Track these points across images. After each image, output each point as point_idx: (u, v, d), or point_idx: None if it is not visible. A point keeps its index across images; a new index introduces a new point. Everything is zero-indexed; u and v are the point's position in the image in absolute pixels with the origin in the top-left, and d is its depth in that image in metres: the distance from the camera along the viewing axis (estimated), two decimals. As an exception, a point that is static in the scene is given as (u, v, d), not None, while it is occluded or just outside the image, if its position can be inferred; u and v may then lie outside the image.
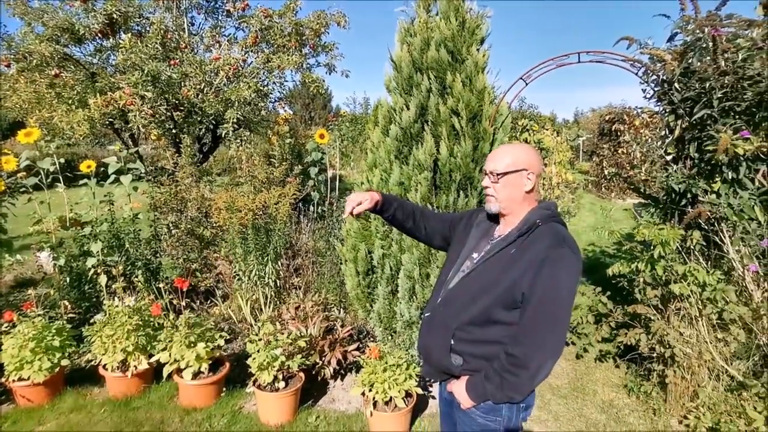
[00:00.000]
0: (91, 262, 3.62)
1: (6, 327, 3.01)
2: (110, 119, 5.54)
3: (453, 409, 1.66)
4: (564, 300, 1.40)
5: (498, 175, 1.54)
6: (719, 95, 2.55)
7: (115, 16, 5.06)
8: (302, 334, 3.18)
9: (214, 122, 6.00)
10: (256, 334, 3.02)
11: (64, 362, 3.07)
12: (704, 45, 2.78)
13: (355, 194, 1.76)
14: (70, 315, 3.33)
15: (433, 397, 3.17)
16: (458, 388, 1.55)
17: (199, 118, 5.67)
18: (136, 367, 3.07)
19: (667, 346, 2.93)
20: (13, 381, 2.92)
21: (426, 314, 1.68)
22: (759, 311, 2.74)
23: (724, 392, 2.82)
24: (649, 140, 3.12)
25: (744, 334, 2.78)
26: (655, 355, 3.11)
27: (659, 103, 2.93)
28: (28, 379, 2.91)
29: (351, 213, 1.72)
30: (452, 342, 1.54)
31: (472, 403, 1.52)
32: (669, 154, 2.90)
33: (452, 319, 1.55)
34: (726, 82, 2.55)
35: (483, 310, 1.48)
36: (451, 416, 1.73)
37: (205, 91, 5.42)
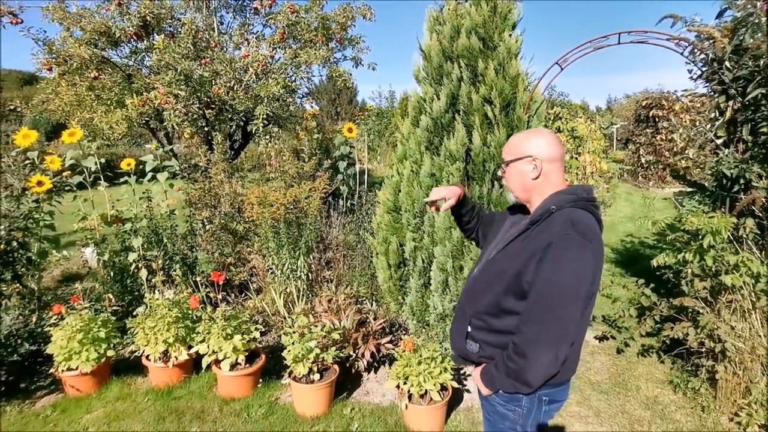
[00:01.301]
0: (132, 257, 3.75)
1: (55, 319, 3.15)
2: (146, 119, 5.71)
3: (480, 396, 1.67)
4: (567, 288, 1.30)
5: (505, 164, 1.55)
6: (775, 73, 2.38)
7: (148, 18, 5.19)
8: (336, 326, 3.19)
9: (244, 119, 6.09)
10: (291, 327, 3.05)
11: (110, 353, 3.19)
12: (756, 20, 2.60)
13: (439, 188, 1.81)
14: (114, 308, 3.45)
15: (468, 391, 3.12)
16: (475, 374, 1.57)
17: (229, 115, 5.77)
18: (176, 357, 3.16)
19: (718, 341, 2.78)
20: (63, 371, 3.06)
21: (454, 303, 1.72)
22: (820, 304, 2.56)
23: (780, 389, 2.65)
24: (697, 123, 2.94)
25: (803, 328, 2.60)
26: (704, 349, 2.96)
27: (708, 84, 2.76)
28: (77, 369, 3.04)
29: (435, 206, 1.80)
30: (469, 329, 1.56)
31: (488, 390, 1.53)
32: (719, 137, 2.74)
33: (469, 306, 1.58)
34: (783, 58, 2.37)
35: (495, 299, 1.48)
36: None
37: (235, 89, 5.50)
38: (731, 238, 2.77)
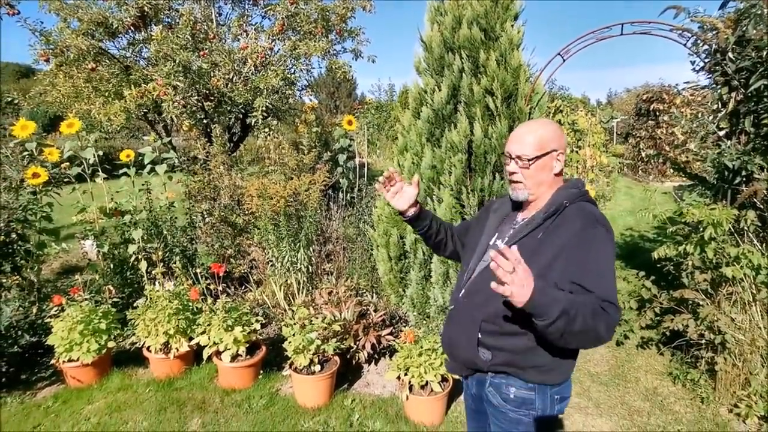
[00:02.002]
0: (132, 249, 3.74)
1: (55, 311, 3.14)
2: (145, 110, 5.67)
3: (482, 404, 1.59)
4: (612, 277, 1.30)
5: (530, 160, 1.41)
6: (779, 64, 2.37)
7: (146, 8, 5.15)
8: (336, 318, 3.19)
9: (243, 111, 6.06)
10: (291, 319, 3.05)
11: (111, 344, 3.20)
12: (759, 11, 2.58)
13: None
14: (114, 299, 3.45)
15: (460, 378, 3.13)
16: (518, 277, 1.11)
17: (228, 108, 5.74)
18: (177, 349, 3.16)
19: (717, 332, 2.79)
20: (63, 362, 3.06)
21: (450, 307, 1.60)
22: (820, 295, 2.57)
23: (779, 380, 2.67)
24: (700, 115, 2.94)
25: (803, 319, 2.62)
26: (703, 341, 2.97)
27: (711, 75, 2.75)
28: (78, 360, 3.04)
29: (387, 182, 1.63)
30: (480, 335, 1.45)
31: (526, 298, 1.12)
32: (722, 129, 2.73)
33: (478, 311, 1.46)
34: (787, 49, 2.36)
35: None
36: (478, 412, 1.67)
37: (234, 80, 5.47)
38: (732, 230, 2.77)
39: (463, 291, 1.55)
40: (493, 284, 1.13)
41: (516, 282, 1.11)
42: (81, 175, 3.85)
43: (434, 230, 1.76)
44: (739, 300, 2.76)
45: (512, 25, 3.11)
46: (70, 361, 3.06)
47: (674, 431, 2.68)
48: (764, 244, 2.75)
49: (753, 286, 2.69)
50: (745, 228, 2.73)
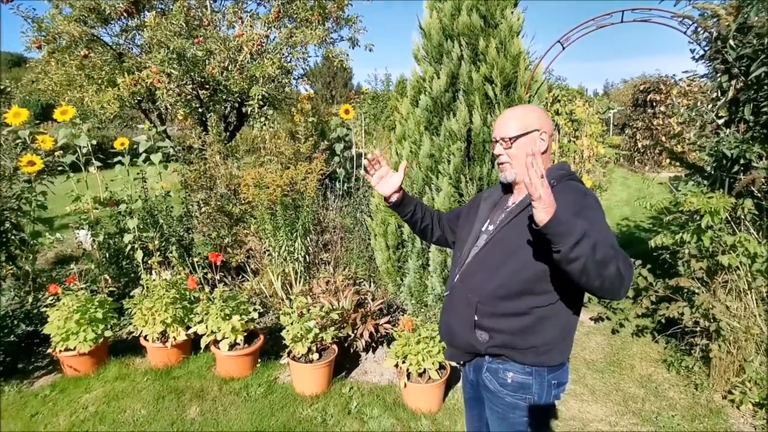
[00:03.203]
0: (128, 238, 3.71)
1: (51, 300, 3.12)
2: (138, 99, 5.60)
3: (479, 390, 1.60)
4: (608, 228, 1.30)
5: (510, 139, 1.45)
6: (779, 51, 2.36)
7: (139, -7, 5.05)
8: (334, 307, 3.20)
9: (239, 100, 5.99)
10: (290, 308, 3.05)
11: (107, 333, 3.18)
12: (762, -2, 2.57)
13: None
14: (110, 289, 3.43)
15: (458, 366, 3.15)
16: (547, 193, 1.11)
17: (224, 96, 5.67)
18: (175, 338, 3.16)
19: (712, 320, 2.82)
20: (60, 351, 3.05)
21: (445, 294, 1.61)
22: (814, 283, 2.59)
23: (773, 367, 2.70)
24: (698, 104, 2.93)
25: (797, 307, 2.64)
26: (698, 329, 3.00)
27: (710, 63, 2.74)
28: (74, 349, 3.03)
29: (371, 166, 1.64)
30: (476, 317, 1.45)
31: (552, 209, 1.11)
32: (720, 117, 2.72)
33: (473, 292, 1.46)
34: (787, 36, 2.35)
35: (508, 279, 1.40)
36: (476, 400, 1.67)
37: (229, 69, 5.40)
38: (728, 218, 2.78)
39: (457, 276, 1.55)
40: (529, 159, 1.11)
41: (546, 187, 1.10)
42: (75, 164, 3.81)
43: (419, 216, 1.77)
44: (735, 288, 2.78)
45: (512, 12, 3.09)
46: (66, 350, 3.04)
47: (668, 417, 2.71)
48: (761, 233, 2.76)
49: (749, 274, 2.71)
50: (742, 216, 2.75)
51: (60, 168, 3.72)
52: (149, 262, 3.53)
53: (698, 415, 2.71)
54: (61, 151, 3.71)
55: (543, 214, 1.11)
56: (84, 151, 3.78)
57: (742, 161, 2.64)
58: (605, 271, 1.16)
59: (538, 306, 1.39)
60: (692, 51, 2.87)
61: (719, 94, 2.73)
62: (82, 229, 4.02)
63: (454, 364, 2.79)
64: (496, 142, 1.49)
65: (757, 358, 2.74)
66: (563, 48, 3.04)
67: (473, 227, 1.60)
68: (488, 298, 1.43)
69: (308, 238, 4.19)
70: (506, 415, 1.50)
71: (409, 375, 2.75)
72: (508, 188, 1.59)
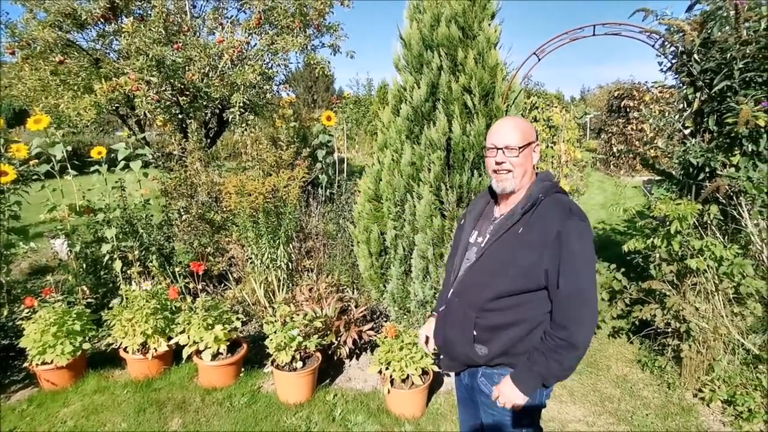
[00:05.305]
0: (106, 248, 3.66)
1: (27, 313, 3.05)
2: (116, 105, 5.51)
3: (474, 394, 1.65)
4: (587, 271, 1.40)
5: (520, 148, 1.49)
6: (740, 66, 2.49)
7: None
8: (317, 315, 3.21)
9: (219, 107, 5.95)
10: (273, 316, 3.05)
11: (86, 346, 3.13)
12: (725, 14, 2.71)
13: (419, 333, 1.84)
14: (88, 300, 3.37)
15: (448, 375, 3.20)
16: (506, 389, 1.47)
17: (204, 103, 5.63)
18: (156, 349, 3.12)
19: (683, 321, 2.93)
20: (37, 365, 2.98)
21: (441, 308, 1.65)
22: (776, 285, 2.72)
23: (739, 365, 2.83)
24: (666, 114, 3.07)
25: (761, 308, 2.77)
26: (670, 330, 3.12)
27: (677, 76, 2.87)
28: (52, 362, 2.97)
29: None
30: (475, 333, 1.51)
31: (525, 399, 1.46)
32: (687, 127, 2.85)
33: (470, 308, 1.51)
34: (748, 51, 2.48)
35: (499, 293, 1.46)
36: (471, 401, 1.73)
37: (209, 75, 5.37)
38: (696, 223, 2.91)
39: (451, 291, 1.60)
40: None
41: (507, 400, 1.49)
42: (50, 172, 3.73)
43: None
44: (703, 290, 2.91)
45: (489, 24, 3.17)
46: (43, 363, 2.98)
47: (643, 416, 2.81)
48: (726, 237, 2.89)
49: (716, 276, 2.84)
50: (709, 222, 2.87)
51: (35, 177, 3.64)
52: (129, 272, 3.48)
53: (671, 413, 2.82)
54: (36, 160, 3.64)
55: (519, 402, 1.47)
56: (60, 157, 3.70)
57: (707, 169, 2.77)
58: (574, 353, 1.41)
59: (531, 317, 1.47)
60: (660, 63, 3.00)
61: (685, 105, 2.86)
62: (58, 238, 3.94)
63: (437, 369, 2.84)
64: (497, 149, 1.51)
65: (725, 357, 2.87)
66: (539, 59, 3.14)
67: (461, 239, 1.66)
68: (484, 312, 1.49)
69: (291, 245, 4.19)
70: (501, 417, 1.57)
71: (392, 381, 2.79)
72: (493, 197, 1.64)
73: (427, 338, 1.78)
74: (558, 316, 1.41)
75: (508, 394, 1.47)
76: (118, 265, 3.64)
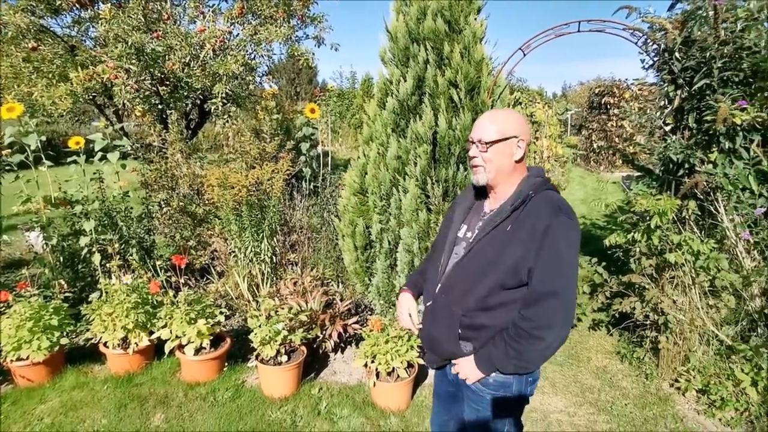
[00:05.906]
0: (84, 241, 3.56)
1: (1, 307, 2.96)
2: (93, 94, 5.35)
3: (460, 388, 1.65)
4: (567, 269, 1.38)
5: (487, 143, 1.46)
6: (719, 65, 2.55)
7: (93, -16, 4.82)
8: (303, 308, 3.19)
9: (201, 97, 5.83)
10: (257, 310, 3.02)
11: (64, 341, 3.05)
12: (704, 14, 2.77)
13: (398, 312, 1.77)
14: (66, 294, 3.28)
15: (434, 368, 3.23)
16: (465, 365, 1.52)
17: (185, 93, 5.50)
18: (137, 344, 3.06)
19: (661, 314, 3.02)
20: (11, 361, 2.90)
21: (427, 304, 1.63)
22: (749, 278, 2.82)
23: (713, 356, 2.92)
24: (647, 111, 3.13)
25: (734, 300, 2.86)
26: (648, 322, 3.20)
27: (659, 73, 2.93)
28: (27, 358, 2.89)
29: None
30: (460, 331, 1.51)
31: (481, 375, 1.50)
32: (668, 124, 2.92)
33: (456, 305, 1.51)
34: (726, 51, 2.54)
35: (487, 292, 1.44)
36: (453, 396, 1.74)
37: (191, 65, 5.24)
38: (675, 218, 2.99)
39: (438, 286, 1.58)
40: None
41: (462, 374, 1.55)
42: (24, 162, 3.60)
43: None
44: (681, 283, 2.99)
45: (475, 19, 3.17)
46: (19, 359, 2.89)
47: (622, 405, 2.88)
48: (703, 232, 2.98)
49: (693, 270, 2.92)
50: (687, 217, 2.95)
51: (7, 167, 3.51)
52: (108, 265, 3.39)
53: (648, 402, 2.90)
54: (9, 150, 3.51)
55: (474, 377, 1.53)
56: (33, 147, 3.57)
57: (687, 165, 2.84)
58: (540, 347, 1.41)
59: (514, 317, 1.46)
60: (642, 61, 3.05)
61: (666, 103, 2.92)
62: (33, 230, 3.81)
63: (422, 362, 2.86)
64: (473, 143, 1.50)
65: (700, 348, 2.96)
66: (524, 55, 3.17)
67: (449, 234, 1.63)
68: (470, 310, 1.48)
69: (275, 238, 4.15)
70: (487, 411, 1.57)
71: (378, 374, 2.80)
72: (482, 192, 1.61)
73: (410, 315, 1.74)
74: (528, 308, 1.39)
75: (465, 368, 1.53)
76: (97, 258, 3.55)
